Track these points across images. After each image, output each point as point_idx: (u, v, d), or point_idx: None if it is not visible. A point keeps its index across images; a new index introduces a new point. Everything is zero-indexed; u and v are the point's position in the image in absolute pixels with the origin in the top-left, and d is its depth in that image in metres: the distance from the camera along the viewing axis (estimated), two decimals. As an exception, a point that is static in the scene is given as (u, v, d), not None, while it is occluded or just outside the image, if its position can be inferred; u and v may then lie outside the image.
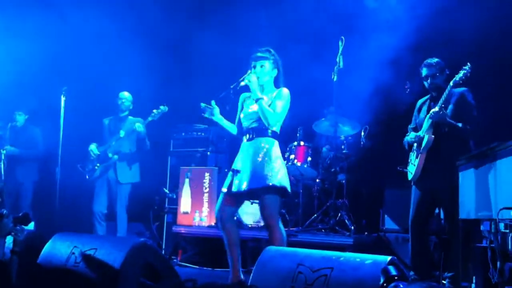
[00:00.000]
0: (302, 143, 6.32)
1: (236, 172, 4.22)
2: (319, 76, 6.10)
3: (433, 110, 4.49)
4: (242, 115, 4.39)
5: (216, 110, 4.41)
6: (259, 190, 4.11)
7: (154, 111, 6.01)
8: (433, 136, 4.51)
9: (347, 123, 6.21)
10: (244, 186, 4.11)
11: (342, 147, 6.34)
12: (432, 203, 4.74)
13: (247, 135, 4.29)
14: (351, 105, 6.22)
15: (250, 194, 4.29)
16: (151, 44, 7.16)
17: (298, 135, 6.50)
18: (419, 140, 4.62)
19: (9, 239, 3.32)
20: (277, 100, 4.21)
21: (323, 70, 5.96)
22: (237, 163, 4.28)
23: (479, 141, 4.43)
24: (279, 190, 4.12)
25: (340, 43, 5.74)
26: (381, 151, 6.52)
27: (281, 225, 4.18)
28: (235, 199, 4.30)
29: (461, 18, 5.78)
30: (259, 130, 4.23)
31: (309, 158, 6.23)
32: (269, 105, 4.19)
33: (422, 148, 4.55)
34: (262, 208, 4.17)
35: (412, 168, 4.70)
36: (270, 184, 4.06)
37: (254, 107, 4.25)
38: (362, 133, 6.34)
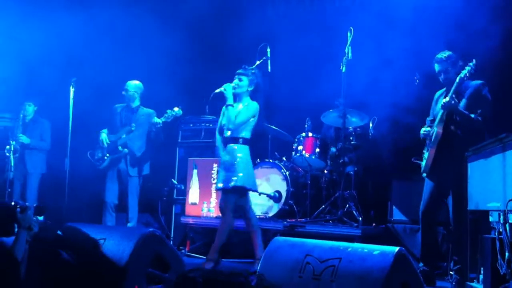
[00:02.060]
0: (310, 134, 6.31)
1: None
2: (327, 67, 6.08)
3: (444, 100, 4.48)
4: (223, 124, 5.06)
5: None
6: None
7: (168, 112, 5.84)
8: (440, 131, 4.52)
9: (356, 114, 6.17)
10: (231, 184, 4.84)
11: (351, 138, 6.31)
12: (442, 195, 4.73)
13: (227, 141, 4.99)
14: (360, 96, 6.19)
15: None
16: (159, 35, 7.14)
17: (306, 126, 6.49)
18: (430, 134, 4.63)
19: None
20: (243, 111, 4.95)
21: (331, 61, 5.93)
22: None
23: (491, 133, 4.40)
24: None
25: (349, 34, 5.70)
26: (389, 142, 6.50)
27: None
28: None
29: (473, 6, 5.74)
30: (234, 138, 4.95)
31: (317, 149, 6.22)
32: (236, 114, 4.90)
33: (431, 142, 4.57)
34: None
35: (424, 160, 4.73)
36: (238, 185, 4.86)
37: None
38: (371, 124, 6.32)
